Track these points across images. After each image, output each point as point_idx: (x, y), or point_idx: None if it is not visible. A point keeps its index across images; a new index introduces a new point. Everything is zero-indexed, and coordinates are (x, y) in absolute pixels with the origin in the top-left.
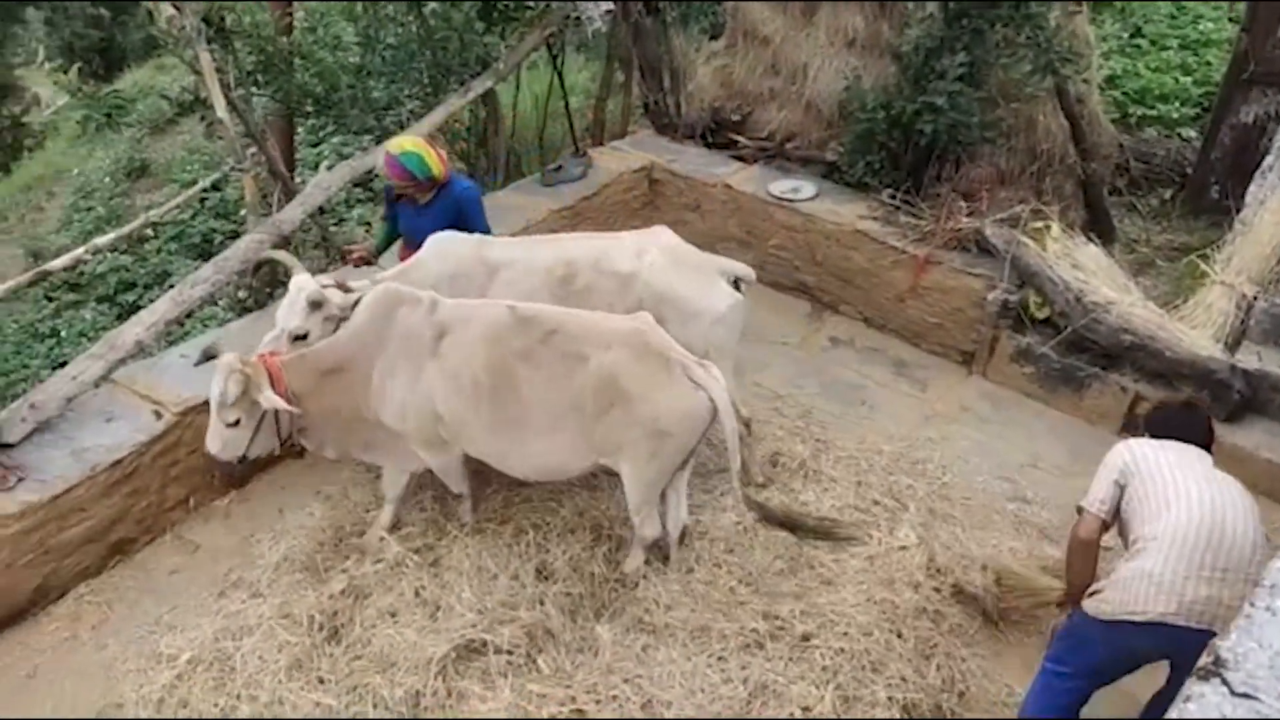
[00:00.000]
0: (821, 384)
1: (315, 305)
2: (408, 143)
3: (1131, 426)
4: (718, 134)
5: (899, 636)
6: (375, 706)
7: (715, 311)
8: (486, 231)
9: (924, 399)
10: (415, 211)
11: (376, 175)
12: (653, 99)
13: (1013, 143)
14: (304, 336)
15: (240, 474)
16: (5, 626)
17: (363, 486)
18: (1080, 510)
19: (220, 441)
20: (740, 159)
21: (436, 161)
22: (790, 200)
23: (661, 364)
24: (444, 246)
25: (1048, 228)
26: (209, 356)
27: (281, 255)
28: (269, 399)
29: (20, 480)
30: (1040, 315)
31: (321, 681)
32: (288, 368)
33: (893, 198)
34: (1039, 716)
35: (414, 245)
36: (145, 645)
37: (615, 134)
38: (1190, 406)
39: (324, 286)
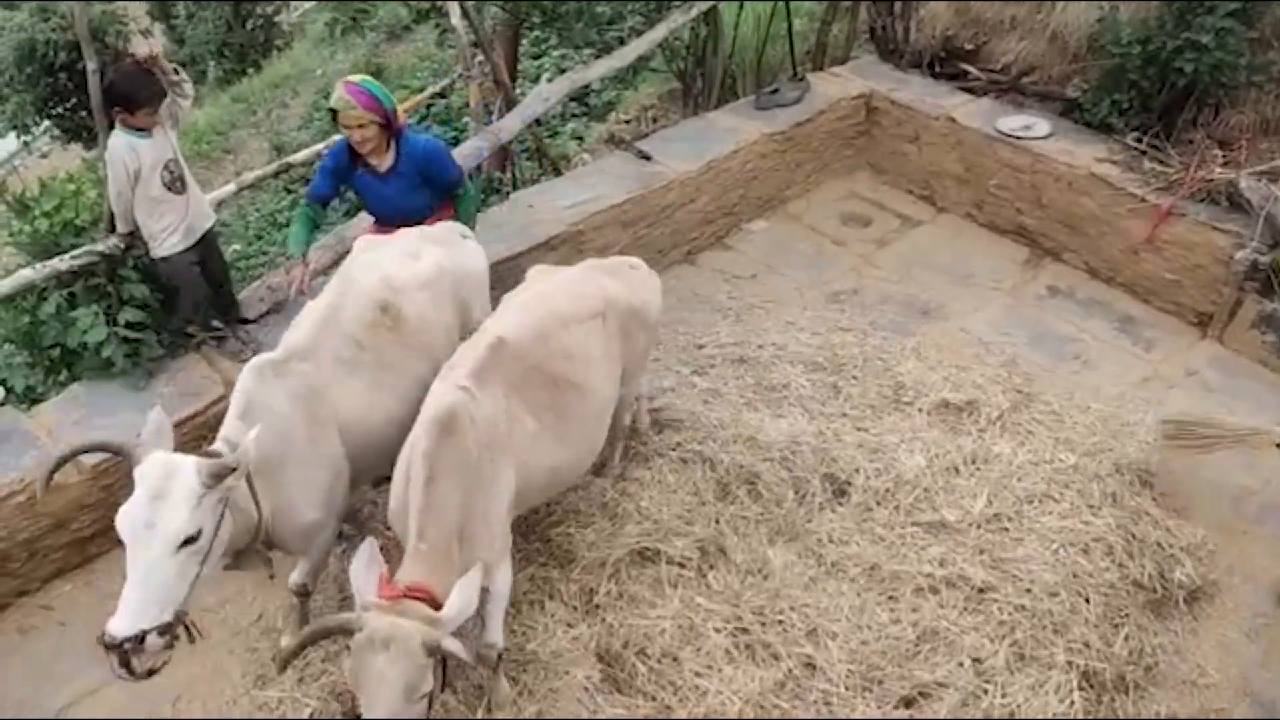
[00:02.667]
0: (1032, 334)
1: (215, 479)
2: (365, 76)
3: None
4: (946, 64)
5: (1086, 601)
6: (551, 598)
7: (485, 263)
8: (460, 177)
9: (1147, 359)
10: (379, 181)
11: (591, 90)
12: (880, 23)
13: None
14: (196, 537)
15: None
16: None
17: None
18: None
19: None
20: (969, 91)
21: (388, 92)
22: (1020, 138)
23: (627, 269)
24: (264, 366)
25: None
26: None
27: (100, 443)
28: (453, 641)
29: (256, 354)
30: None
31: None
32: (431, 577)
33: (1138, 141)
34: None
35: (385, 219)
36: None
37: (837, 59)
38: None
39: (201, 458)
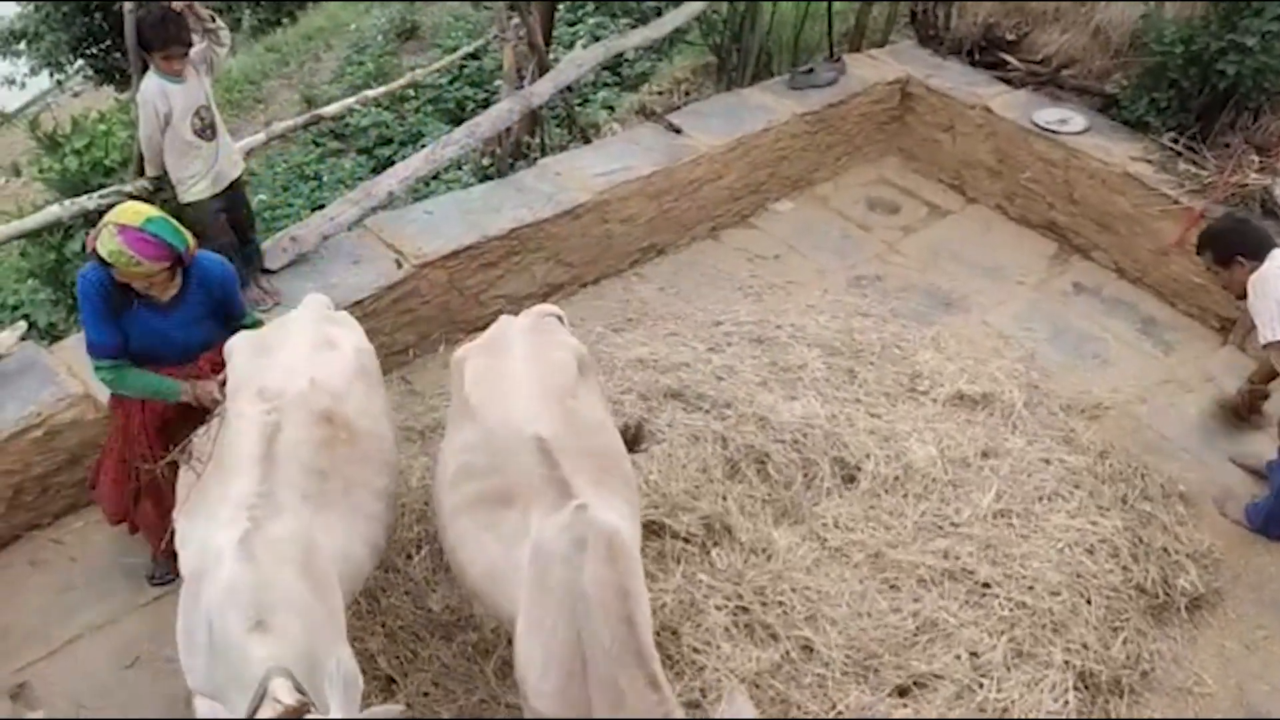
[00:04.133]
0: (1053, 330)
1: None
2: (143, 209)
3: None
4: (986, 52)
5: (1088, 603)
6: None
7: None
8: (243, 310)
9: (1165, 362)
10: (159, 315)
11: (624, 60)
12: (921, 7)
13: None
14: None
15: None
16: None
17: None
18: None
19: None
20: (1007, 81)
21: (181, 227)
22: (1056, 131)
23: (552, 320)
24: (249, 547)
25: None
26: None
27: None
28: None
29: (276, 305)
30: None
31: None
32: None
33: (1175, 141)
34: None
35: (162, 360)
36: None
37: (875, 42)
38: (1244, 220)
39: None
